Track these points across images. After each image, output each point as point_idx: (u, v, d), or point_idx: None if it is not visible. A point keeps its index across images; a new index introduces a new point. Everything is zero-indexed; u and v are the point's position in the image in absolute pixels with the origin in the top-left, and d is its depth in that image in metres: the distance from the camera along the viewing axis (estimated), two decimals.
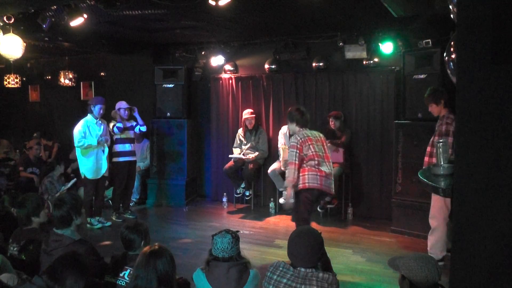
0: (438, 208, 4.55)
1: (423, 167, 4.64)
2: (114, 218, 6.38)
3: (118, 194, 6.51)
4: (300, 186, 4.41)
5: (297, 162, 4.35)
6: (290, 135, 4.86)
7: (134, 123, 6.54)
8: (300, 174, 4.41)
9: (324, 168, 4.42)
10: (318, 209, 6.42)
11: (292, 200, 4.65)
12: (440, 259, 4.34)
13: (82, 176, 6.12)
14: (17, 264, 3.02)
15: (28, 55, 7.02)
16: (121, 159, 6.37)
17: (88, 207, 6.01)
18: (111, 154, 6.35)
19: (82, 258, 2.33)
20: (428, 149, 4.70)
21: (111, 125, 6.27)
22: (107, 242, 5.44)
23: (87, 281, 2.27)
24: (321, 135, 4.61)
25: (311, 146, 4.41)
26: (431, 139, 4.69)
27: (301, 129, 4.53)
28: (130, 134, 6.50)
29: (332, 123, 6.39)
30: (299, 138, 4.42)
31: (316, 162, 4.39)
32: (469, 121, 1.59)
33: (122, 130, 6.27)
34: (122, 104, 6.41)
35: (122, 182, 6.45)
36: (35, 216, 3.50)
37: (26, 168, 7.30)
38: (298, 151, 4.37)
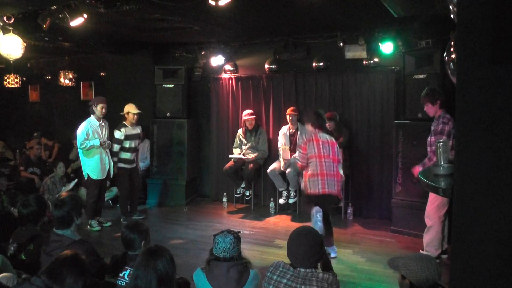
0: (435, 206, 4.56)
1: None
2: (123, 221, 6.27)
3: (123, 199, 6.45)
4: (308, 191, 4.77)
5: (302, 161, 4.76)
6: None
7: (139, 130, 6.47)
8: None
9: (326, 169, 4.67)
10: None
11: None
12: (435, 257, 4.35)
13: (86, 177, 5.97)
14: (17, 264, 3.02)
15: (28, 55, 7.02)
16: (121, 165, 6.28)
17: (90, 210, 5.91)
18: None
19: (81, 258, 2.32)
20: (429, 149, 4.69)
21: (116, 135, 6.20)
22: (107, 242, 5.44)
23: (86, 281, 2.26)
24: (332, 138, 4.88)
25: (315, 144, 4.69)
26: (428, 139, 4.70)
27: (313, 130, 4.83)
28: (135, 143, 6.41)
29: (327, 124, 6.35)
30: (304, 138, 4.85)
31: (317, 162, 4.66)
32: (469, 121, 1.59)
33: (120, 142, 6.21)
34: (131, 108, 6.30)
35: (125, 187, 6.39)
36: (39, 217, 3.49)
37: (27, 168, 7.27)
38: (302, 151, 4.76)
